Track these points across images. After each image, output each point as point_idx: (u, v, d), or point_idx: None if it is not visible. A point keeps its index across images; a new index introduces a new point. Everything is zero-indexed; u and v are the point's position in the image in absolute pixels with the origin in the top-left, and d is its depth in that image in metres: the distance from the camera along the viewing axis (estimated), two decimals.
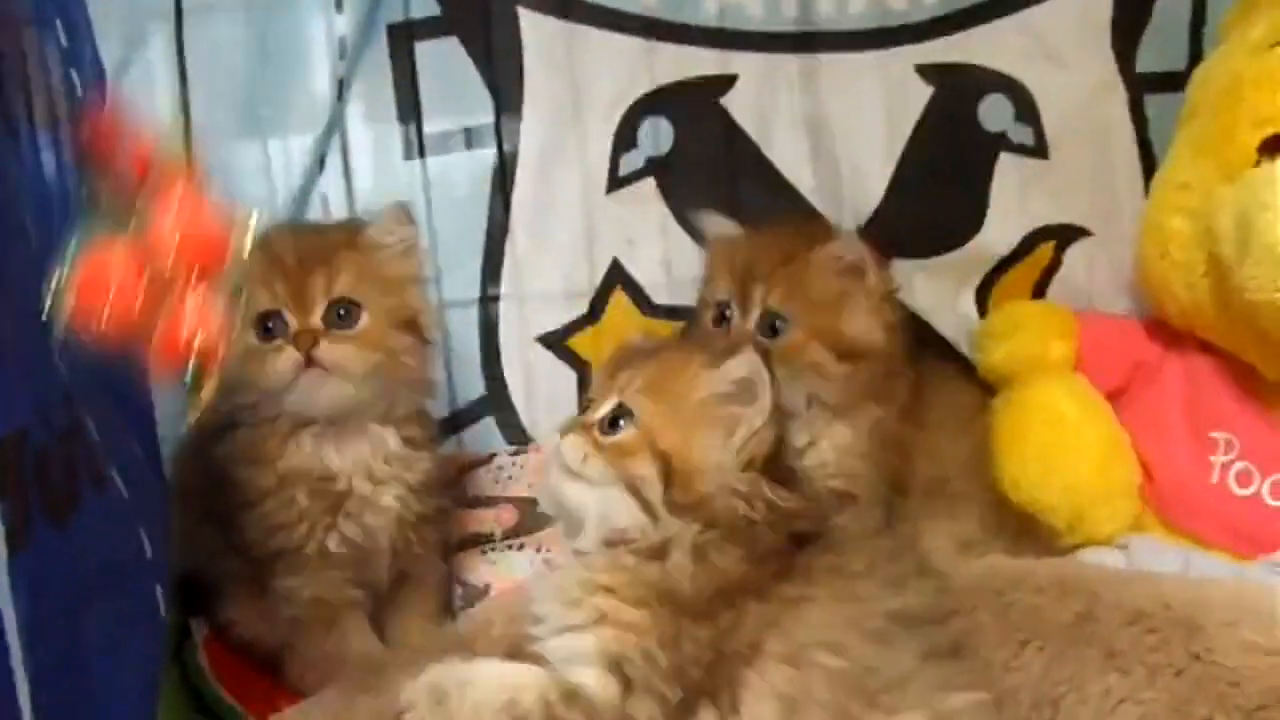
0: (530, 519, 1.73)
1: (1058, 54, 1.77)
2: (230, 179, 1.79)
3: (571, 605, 1.13)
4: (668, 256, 1.84)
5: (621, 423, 1.17)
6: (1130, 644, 1.23)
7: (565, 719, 1.07)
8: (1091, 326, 1.68)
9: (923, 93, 1.80)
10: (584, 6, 1.81)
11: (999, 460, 1.60)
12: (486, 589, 1.65)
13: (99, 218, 0.93)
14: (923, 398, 1.65)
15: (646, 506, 1.15)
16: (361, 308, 1.46)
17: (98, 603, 1.09)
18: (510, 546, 1.72)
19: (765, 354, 1.17)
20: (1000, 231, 1.81)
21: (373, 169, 1.85)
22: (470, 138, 1.85)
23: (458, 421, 1.89)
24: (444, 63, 1.82)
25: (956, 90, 1.80)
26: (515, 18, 1.82)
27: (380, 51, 1.81)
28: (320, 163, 1.83)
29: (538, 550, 1.69)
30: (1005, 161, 1.80)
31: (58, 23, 1.59)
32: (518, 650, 1.24)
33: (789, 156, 1.83)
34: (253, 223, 1.00)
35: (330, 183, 1.84)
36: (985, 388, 1.70)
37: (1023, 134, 1.80)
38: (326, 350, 1.43)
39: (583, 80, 1.82)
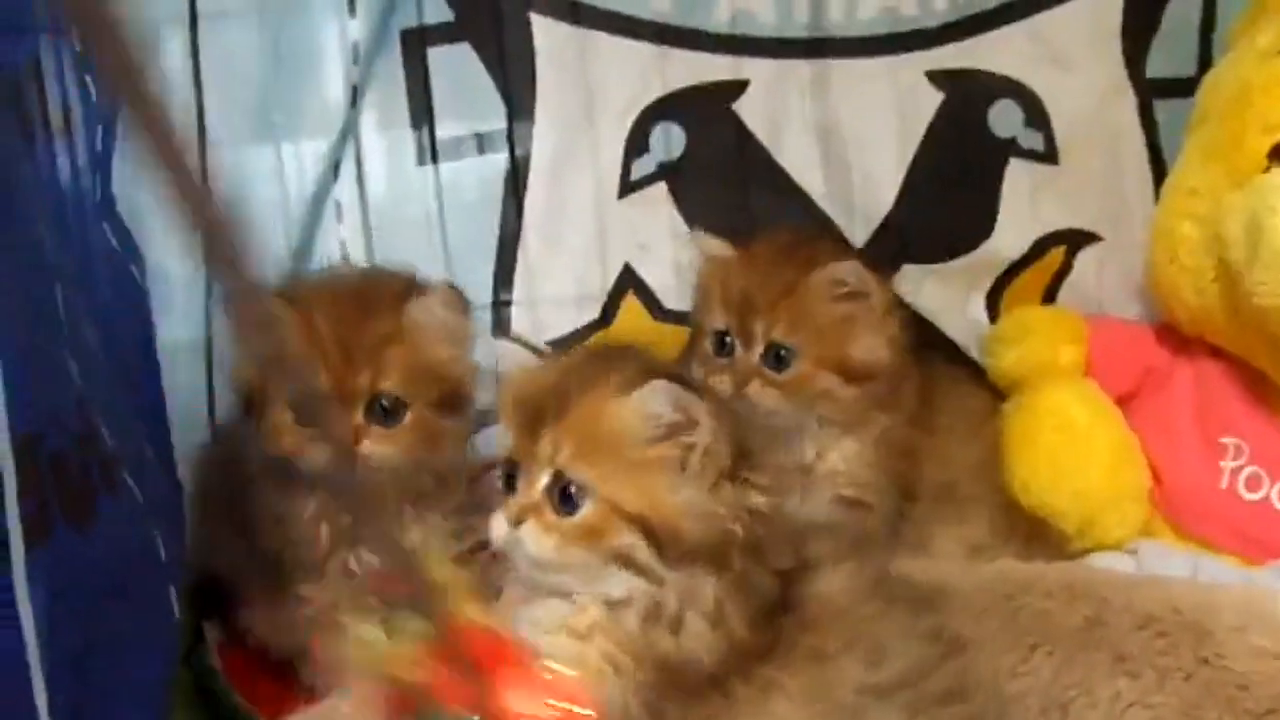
0: None
1: (1067, 59, 1.77)
2: (243, 184, 1.80)
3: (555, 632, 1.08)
4: (679, 261, 1.84)
5: (575, 498, 1.06)
6: (1140, 648, 1.24)
7: None
8: (1102, 331, 1.68)
9: (933, 98, 1.80)
10: (596, 12, 1.81)
11: (1009, 465, 1.60)
12: (498, 593, 1.65)
13: None
14: (932, 403, 1.66)
15: (644, 572, 1.05)
16: (407, 405, 1.42)
17: (112, 603, 1.10)
18: None
19: (677, 378, 1.09)
20: (1010, 236, 1.81)
21: (386, 174, 1.85)
22: (482, 143, 1.85)
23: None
24: (457, 68, 1.82)
25: (967, 96, 1.80)
26: (528, 23, 1.82)
27: (393, 57, 1.82)
28: (334, 168, 1.83)
29: None
30: (1015, 167, 1.80)
31: (72, 29, 1.60)
32: None
33: (800, 162, 1.83)
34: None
35: (344, 188, 1.84)
36: (995, 393, 1.70)
37: (1033, 139, 1.80)
38: (368, 449, 1.40)
39: (595, 85, 1.83)
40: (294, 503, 1.45)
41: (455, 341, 1.47)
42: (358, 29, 1.80)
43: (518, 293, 1.86)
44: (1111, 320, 1.74)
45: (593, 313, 1.88)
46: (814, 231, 1.75)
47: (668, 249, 1.85)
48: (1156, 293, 1.65)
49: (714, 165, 1.85)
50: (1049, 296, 1.82)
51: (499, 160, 1.85)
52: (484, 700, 0.89)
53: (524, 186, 1.85)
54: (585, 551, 1.06)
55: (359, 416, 1.40)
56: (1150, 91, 1.78)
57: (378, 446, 1.40)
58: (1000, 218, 1.81)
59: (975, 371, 1.75)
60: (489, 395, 1.88)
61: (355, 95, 1.82)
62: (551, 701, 0.90)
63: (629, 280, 1.86)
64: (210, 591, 1.56)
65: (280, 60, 1.79)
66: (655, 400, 1.05)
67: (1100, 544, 1.58)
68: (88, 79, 1.64)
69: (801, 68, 1.82)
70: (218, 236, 0.65)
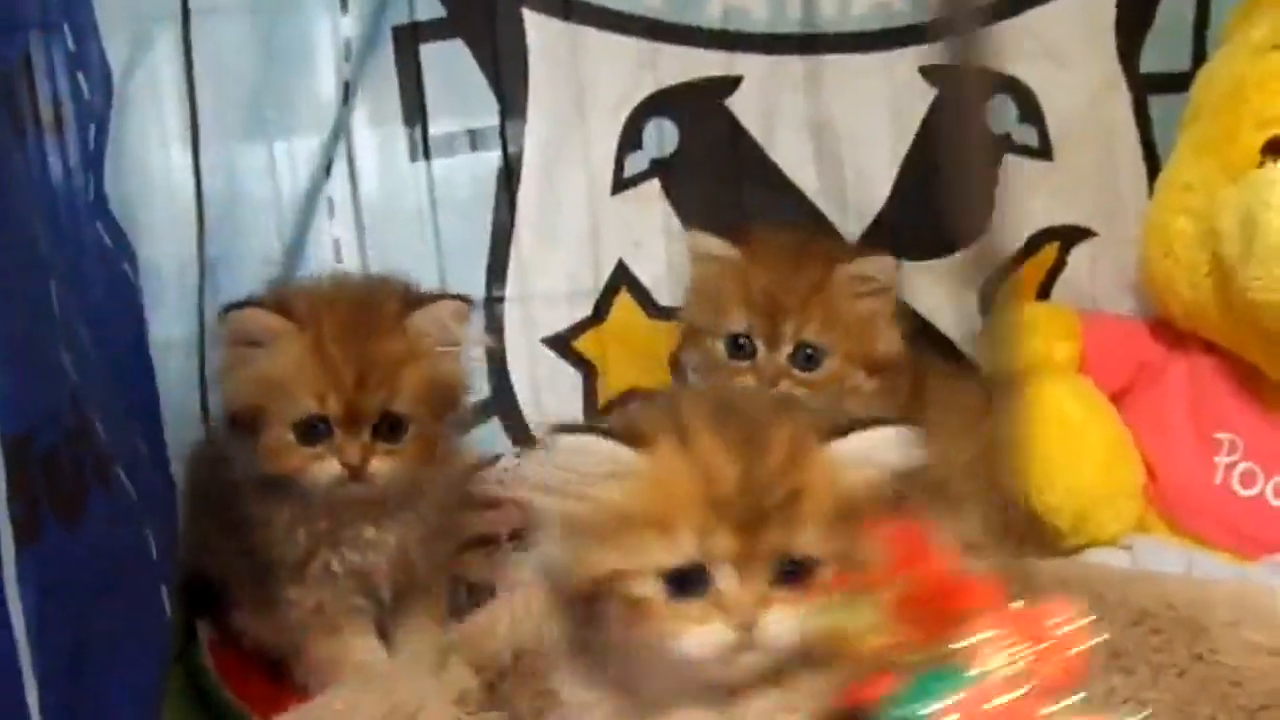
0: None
1: (1061, 55, 1.77)
2: (236, 181, 1.79)
3: None
4: (673, 258, 1.83)
5: (796, 572, 0.87)
6: (1134, 644, 1.23)
7: None
8: (1095, 327, 1.68)
9: (927, 94, 1.80)
10: (588, 8, 1.81)
11: (1002, 462, 1.60)
12: (492, 590, 1.65)
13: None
14: (926, 399, 1.66)
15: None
16: (410, 421, 1.41)
17: (103, 602, 1.09)
18: (516, 548, 1.71)
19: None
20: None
21: (378, 171, 1.85)
22: (475, 140, 1.85)
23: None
24: (449, 65, 1.82)
25: (961, 92, 1.79)
26: (520, 20, 1.82)
27: (385, 54, 1.81)
28: (326, 165, 1.83)
29: None
30: (1009, 163, 1.80)
31: (65, 27, 1.60)
32: (522, 652, 1.25)
33: (793, 158, 1.83)
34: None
35: (336, 185, 1.84)
36: (989, 389, 1.70)
37: (1027, 135, 1.80)
38: (375, 467, 1.39)
39: (587, 82, 1.83)
40: (270, 508, 1.44)
41: (457, 350, 1.46)
42: (350, 25, 1.80)
43: (510, 289, 1.86)
44: (1105, 316, 1.74)
45: (585, 309, 1.87)
46: (811, 227, 1.75)
47: (661, 245, 1.85)
48: (1151, 288, 1.65)
49: (707, 161, 1.84)
50: (1043, 292, 1.82)
51: (492, 157, 1.85)
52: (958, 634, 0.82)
53: (517, 183, 1.85)
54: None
55: (366, 436, 1.38)
56: (1144, 87, 1.79)
57: (383, 464, 1.39)
58: (994, 214, 1.81)
59: (968, 367, 1.75)
60: (481, 391, 1.89)
61: (347, 92, 1.81)
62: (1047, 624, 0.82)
63: (622, 277, 1.86)
64: (203, 590, 1.56)
65: (272, 57, 1.79)
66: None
67: (1094, 540, 1.58)
68: (79, 76, 1.64)
69: (794, 63, 1.81)
70: None
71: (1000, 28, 1.78)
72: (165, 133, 1.77)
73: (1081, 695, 0.80)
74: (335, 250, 1.83)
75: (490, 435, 1.89)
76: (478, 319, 1.71)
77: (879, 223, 1.80)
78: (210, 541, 1.52)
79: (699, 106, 1.83)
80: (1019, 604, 0.85)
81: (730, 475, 0.86)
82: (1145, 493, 1.61)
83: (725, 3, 1.81)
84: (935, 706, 0.78)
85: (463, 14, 1.82)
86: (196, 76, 1.76)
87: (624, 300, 1.86)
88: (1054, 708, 0.78)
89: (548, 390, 1.89)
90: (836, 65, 1.81)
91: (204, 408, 1.69)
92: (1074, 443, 1.58)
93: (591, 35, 1.82)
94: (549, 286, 1.87)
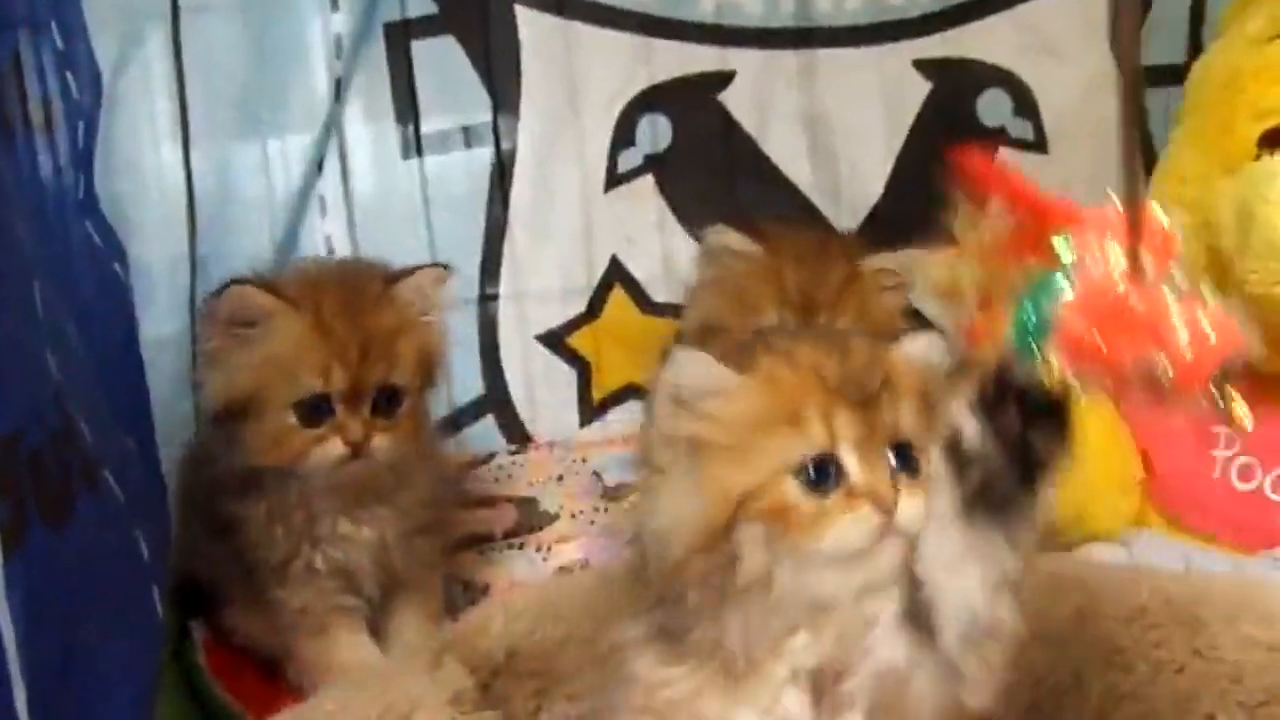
0: (530, 518, 1.73)
1: (1056, 48, 1.77)
2: (228, 179, 1.79)
3: None
4: (666, 253, 1.83)
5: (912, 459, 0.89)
6: (1132, 640, 1.23)
7: None
8: None
9: (921, 88, 1.80)
10: (581, 4, 1.81)
11: None
12: (486, 589, 1.65)
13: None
14: None
15: None
16: (405, 393, 1.42)
17: (93, 605, 1.08)
18: (510, 546, 1.71)
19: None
20: None
21: (371, 168, 1.84)
22: (468, 136, 1.84)
23: (457, 421, 1.89)
24: (441, 61, 1.82)
25: (955, 85, 1.80)
26: (512, 15, 1.82)
27: (377, 51, 1.81)
28: (318, 163, 1.82)
29: (538, 550, 1.69)
30: (1004, 156, 1.80)
31: (53, 25, 1.59)
32: (516, 651, 1.25)
33: (787, 153, 1.83)
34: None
35: (328, 183, 1.83)
36: None
37: (1022, 129, 1.79)
38: (377, 442, 1.39)
39: (580, 78, 1.82)
40: (247, 506, 1.44)
41: (437, 319, 1.47)
42: (341, 22, 1.79)
43: (504, 286, 1.86)
44: None
45: (579, 306, 1.87)
46: (806, 221, 1.74)
47: (655, 241, 1.84)
48: None
49: (701, 157, 1.84)
50: None
51: (484, 153, 1.85)
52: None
53: (510, 180, 1.84)
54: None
55: (366, 412, 1.39)
56: (1140, 79, 1.78)
57: (383, 440, 1.40)
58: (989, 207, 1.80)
59: None
60: (475, 388, 1.89)
61: (339, 89, 1.81)
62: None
63: (616, 273, 1.85)
64: (196, 590, 1.56)
65: (263, 54, 1.78)
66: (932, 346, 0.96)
67: (1092, 535, 1.57)
68: (68, 75, 1.63)
69: (788, 58, 1.81)
70: None
71: (995, 21, 1.78)
72: (156, 131, 1.77)
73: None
74: (327, 248, 1.82)
75: (484, 433, 1.89)
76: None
77: (874, 217, 1.79)
78: (198, 544, 1.51)
79: (692, 102, 1.83)
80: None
81: (833, 367, 0.90)
82: (1143, 487, 1.60)
83: None
84: (1052, 306, 0.77)
85: (454, 10, 1.81)
86: (187, 74, 1.76)
87: (618, 296, 1.86)
88: (1172, 286, 0.77)
89: (542, 387, 1.89)
90: (830, 59, 1.81)
91: (196, 406, 1.69)
92: None
93: (584, 31, 1.82)
94: (543, 283, 1.86)
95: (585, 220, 1.85)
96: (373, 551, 1.47)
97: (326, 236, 1.82)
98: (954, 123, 1.79)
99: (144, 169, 1.76)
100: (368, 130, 1.84)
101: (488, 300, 1.86)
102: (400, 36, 1.81)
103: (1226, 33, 1.61)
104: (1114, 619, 1.25)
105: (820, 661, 0.89)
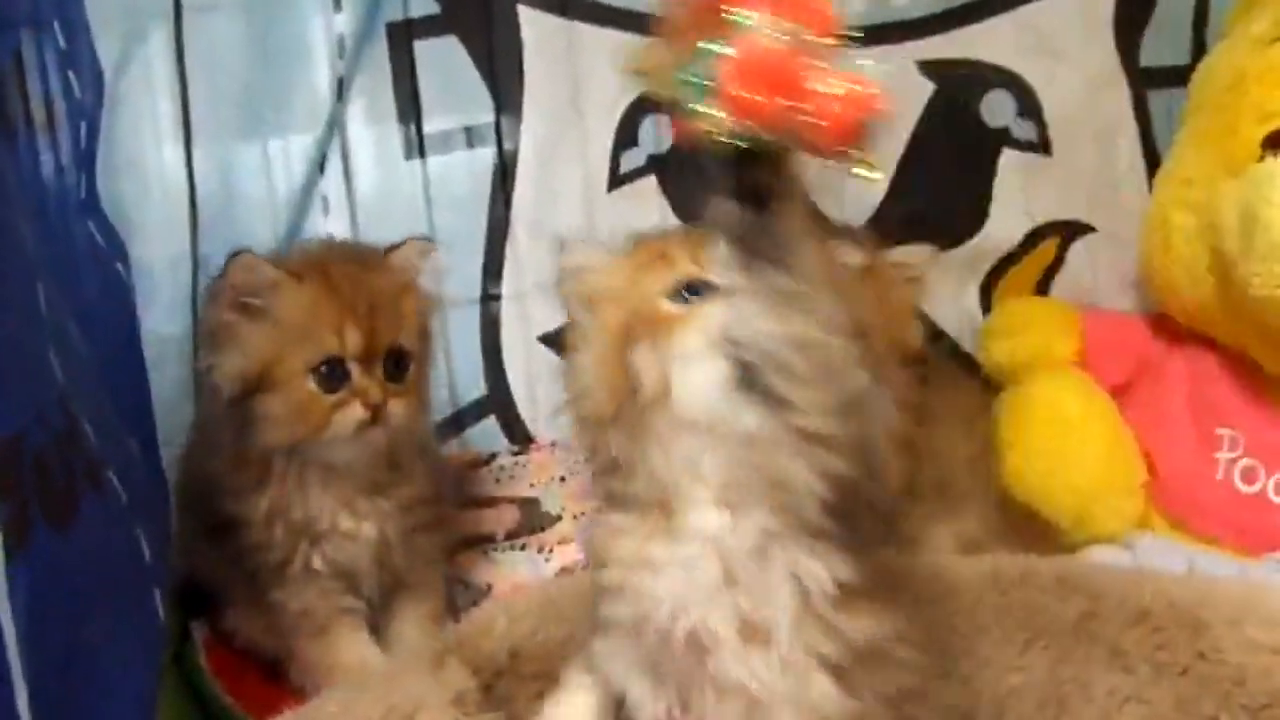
0: (532, 519, 1.73)
1: (1060, 49, 1.77)
2: (230, 179, 1.79)
3: None
4: None
5: (695, 294, 1.00)
6: (1135, 643, 1.23)
7: None
8: (1095, 323, 1.67)
9: (925, 89, 1.79)
10: (583, 4, 1.80)
11: (1003, 458, 1.59)
12: (489, 589, 1.65)
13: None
14: (927, 396, 1.65)
15: None
16: (411, 358, 1.44)
17: (96, 606, 1.08)
18: (512, 546, 1.71)
19: None
20: (1003, 227, 1.81)
21: (373, 169, 1.84)
22: (470, 137, 1.84)
23: (460, 421, 1.88)
24: (444, 61, 1.81)
25: (959, 86, 1.79)
26: (515, 16, 1.81)
27: (380, 50, 1.81)
28: (320, 163, 1.82)
29: (540, 550, 1.69)
30: (1008, 157, 1.80)
31: (55, 25, 1.59)
32: (519, 652, 1.25)
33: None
34: None
35: (331, 183, 1.83)
36: (989, 385, 1.69)
37: (1025, 129, 1.79)
38: (393, 408, 1.41)
39: (583, 78, 1.82)
40: (244, 505, 1.44)
41: (429, 288, 1.50)
42: (344, 22, 1.79)
43: (506, 287, 1.85)
44: (1105, 311, 1.73)
45: None
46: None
47: None
48: (1151, 284, 1.64)
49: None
50: (1042, 288, 1.82)
51: (487, 154, 1.84)
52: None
53: (512, 180, 1.84)
54: None
55: (379, 373, 1.41)
56: (1143, 81, 1.78)
57: (397, 405, 1.41)
58: (993, 209, 1.81)
59: (969, 364, 1.74)
60: (477, 389, 1.88)
61: (341, 89, 1.81)
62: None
63: None
64: (197, 590, 1.55)
65: (266, 54, 1.78)
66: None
67: (1095, 537, 1.57)
68: (70, 74, 1.63)
69: None
70: None
71: (999, 22, 1.77)
72: (158, 130, 1.77)
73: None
74: None
75: (486, 434, 1.89)
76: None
77: (878, 218, 1.78)
78: (201, 545, 1.51)
79: None
80: None
81: None
82: (1146, 489, 1.59)
83: None
84: (711, 63, 0.86)
85: (457, 10, 1.81)
86: (189, 74, 1.76)
87: None
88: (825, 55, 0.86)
89: (545, 387, 1.88)
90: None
91: (196, 403, 1.68)
92: (1074, 439, 1.58)
93: (587, 31, 1.81)
94: (545, 283, 1.85)
95: (588, 220, 1.84)
96: (374, 549, 1.48)
97: (329, 236, 1.81)
98: (957, 124, 1.79)
99: (146, 168, 1.76)
100: (370, 130, 1.84)
101: (490, 300, 1.86)
102: (403, 36, 1.80)
103: (1231, 34, 1.60)
104: (1117, 621, 1.25)
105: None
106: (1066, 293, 1.79)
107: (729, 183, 0.90)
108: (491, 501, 1.77)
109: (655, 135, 1.83)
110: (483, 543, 1.72)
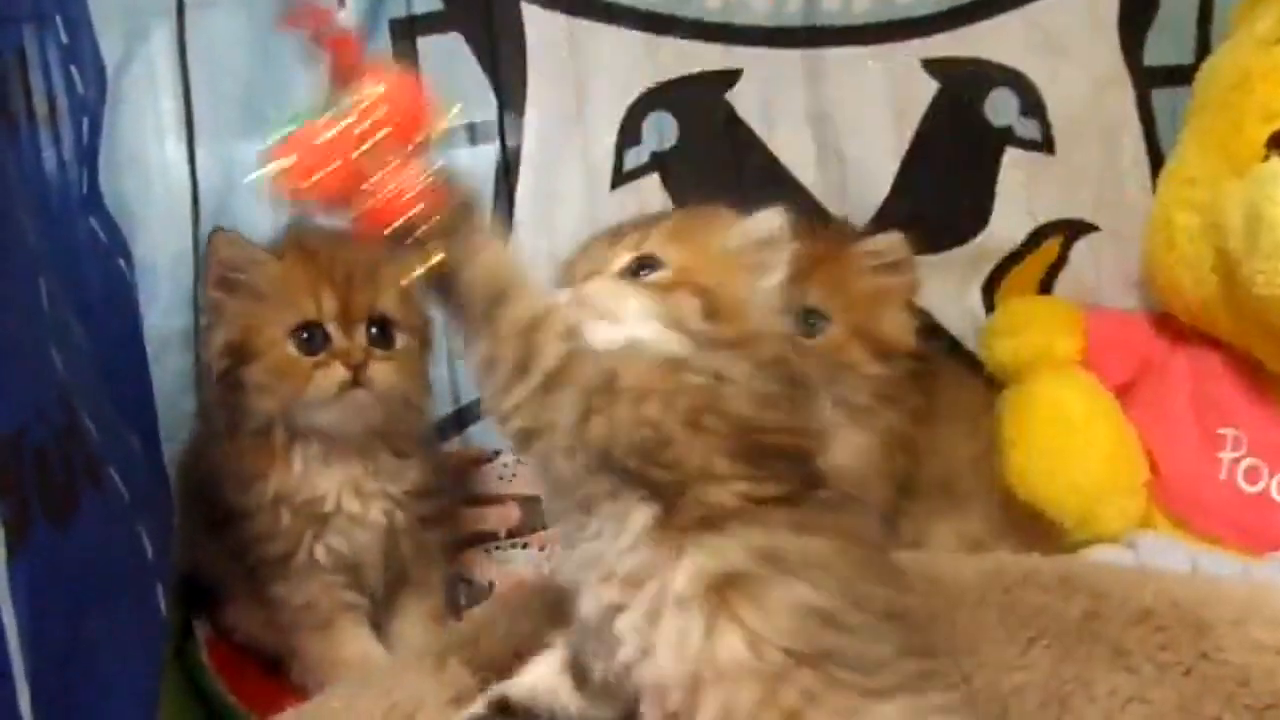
0: (534, 517, 1.72)
1: (1064, 48, 1.77)
2: (233, 176, 1.78)
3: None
4: None
5: (648, 270, 1.09)
6: (1138, 642, 1.22)
7: (539, 345, 1.01)
8: (1098, 322, 1.67)
9: (929, 87, 1.79)
10: (587, 2, 1.80)
11: (1006, 457, 1.59)
12: (491, 587, 1.65)
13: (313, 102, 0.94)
14: (929, 395, 1.65)
15: (690, 341, 1.05)
16: (398, 327, 1.46)
17: (98, 603, 1.08)
18: (514, 545, 1.71)
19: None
20: (1007, 226, 1.81)
21: None
22: (473, 134, 1.84)
23: (462, 418, 1.88)
24: (447, 58, 1.81)
25: (963, 85, 1.79)
26: (518, 13, 1.81)
27: (383, 47, 1.80)
28: None
29: (541, 548, 1.69)
30: (1011, 156, 1.79)
31: (58, 20, 1.59)
32: (524, 649, 1.24)
33: (794, 151, 1.82)
34: (454, 111, 1.01)
35: None
36: (992, 384, 1.69)
37: (1029, 128, 1.79)
38: (375, 371, 1.42)
39: (586, 75, 1.82)
40: (252, 493, 1.45)
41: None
42: (346, 19, 1.78)
43: None
44: (1108, 311, 1.73)
45: None
46: (835, 219, 1.74)
47: None
48: (1154, 283, 1.64)
49: (707, 155, 1.83)
50: (1045, 287, 1.82)
51: (490, 151, 1.84)
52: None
53: (515, 177, 1.84)
54: (644, 303, 1.07)
55: (362, 337, 1.43)
56: (1148, 80, 1.78)
57: (381, 369, 1.43)
58: (996, 207, 1.81)
59: (971, 363, 1.74)
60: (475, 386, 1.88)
61: None
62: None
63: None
64: (199, 587, 1.55)
65: (268, 51, 1.77)
66: (768, 218, 1.12)
67: (1098, 536, 1.57)
68: (73, 70, 1.62)
69: (795, 57, 1.80)
70: None
71: (1003, 20, 1.77)
72: (160, 127, 1.76)
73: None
74: None
75: (488, 431, 1.88)
76: None
77: (880, 216, 1.79)
78: (202, 541, 1.51)
79: (699, 100, 1.82)
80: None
81: None
82: (1149, 488, 1.59)
83: None
84: (278, 136, 0.93)
85: (460, 7, 1.81)
86: (191, 70, 1.76)
87: None
88: (365, 147, 0.94)
89: None
90: (837, 58, 1.80)
91: (199, 401, 1.68)
92: (1077, 439, 1.57)
93: (591, 28, 1.81)
94: (547, 281, 1.85)
95: (591, 218, 1.83)
96: (381, 537, 1.48)
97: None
98: (961, 122, 1.79)
99: (148, 165, 1.76)
100: None
101: None
102: (406, 33, 1.80)
103: (1235, 33, 1.60)
104: (1120, 621, 1.24)
105: None
106: (1069, 292, 1.79)
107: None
108: (494, 499, 1.76)
109: (658, 132, 1.83)
110: (485, 540, 1.72)
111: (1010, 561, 1.39)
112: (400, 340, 1.46)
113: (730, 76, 1.81)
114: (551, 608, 1.29)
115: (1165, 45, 1.77)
